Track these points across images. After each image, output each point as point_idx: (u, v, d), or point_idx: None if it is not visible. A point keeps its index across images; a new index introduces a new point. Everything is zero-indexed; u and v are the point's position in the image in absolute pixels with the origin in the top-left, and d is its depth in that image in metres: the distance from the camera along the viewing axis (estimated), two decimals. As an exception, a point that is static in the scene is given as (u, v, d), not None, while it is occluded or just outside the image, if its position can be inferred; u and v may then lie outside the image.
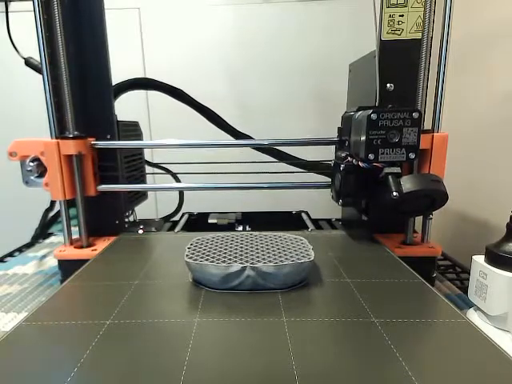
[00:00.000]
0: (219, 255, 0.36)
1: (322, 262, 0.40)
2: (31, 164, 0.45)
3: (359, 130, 0.40)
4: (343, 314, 0.29)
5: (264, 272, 0.32)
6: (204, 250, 0.37)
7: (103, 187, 0.50)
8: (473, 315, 0.36)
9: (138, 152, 0.63)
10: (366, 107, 0.41)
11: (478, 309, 0.35)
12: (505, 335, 0.32)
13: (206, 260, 0.34)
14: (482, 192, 0.60)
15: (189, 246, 0.38)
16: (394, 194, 0.38)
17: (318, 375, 0.22)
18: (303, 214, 0.71)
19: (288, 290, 0.33)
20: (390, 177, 0.39)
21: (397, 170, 0.40)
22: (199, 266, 0.34)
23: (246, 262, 0.34)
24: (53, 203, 0.63)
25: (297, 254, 0.35)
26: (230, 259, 0.34)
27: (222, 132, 0.65)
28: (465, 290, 0.45)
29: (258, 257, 0.35)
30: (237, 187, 0.52)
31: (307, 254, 0.35)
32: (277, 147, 0.61)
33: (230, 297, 0.32)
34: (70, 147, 0.46)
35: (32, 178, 0.46)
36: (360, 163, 0.40)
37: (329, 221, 0.69)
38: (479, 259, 0.35)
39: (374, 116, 0.38)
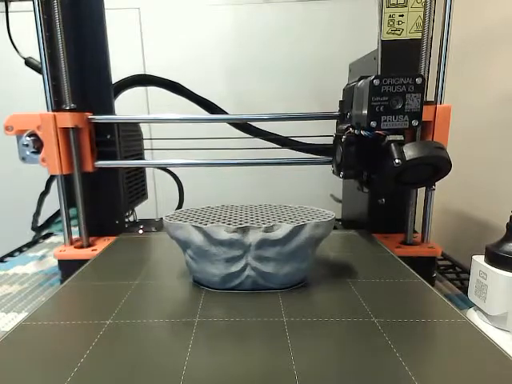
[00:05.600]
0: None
1: (322, 262, 0.40)
2: (28, 138, 0.45)
3: (361, 98, 0.39)
4: (343, 313, 0.29)
5: (265, 272, 0.32)
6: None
7: (100, 163, 0.50)
8: (473, 315, 0.36)
9: (138, 150, 0.63)
10: (369, 76, 0.40)
11: (477, 309, 0.35)
12: (505, 335, 0.32)
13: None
14: (482, 192, 0.60)
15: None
16: (397, 161, 0.36)
17: (318, 375, 0.22)
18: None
19: (288, 289, 0.33)
20: (392, 144, 0.38)
21: (400, 137, 0.38)
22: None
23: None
24: (48, 186, 0.62)
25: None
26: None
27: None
28: (465, 290, 0.45)
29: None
30: (233, 164, 0.52)
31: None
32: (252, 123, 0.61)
33: (231, 297, 0.32)
34: (67, 120, 0.45)
35: (28, 153, 0.46)
36: (362, 132, 0.39)
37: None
38: (479, 259, 0.35)
39: (376, 82, 0.37)
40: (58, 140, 0.45)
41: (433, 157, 0.37)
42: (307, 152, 0.59)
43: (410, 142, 0.41)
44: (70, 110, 0.46)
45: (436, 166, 0.38)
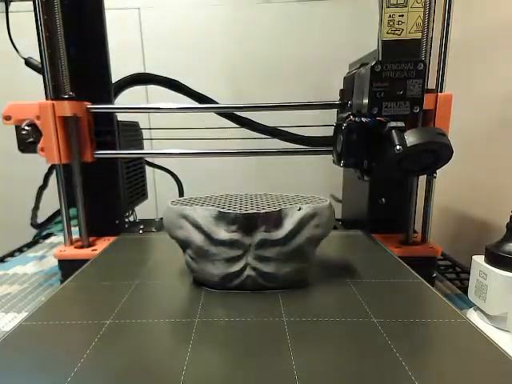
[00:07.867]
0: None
1: (322, 262, 0.40)
2: (26, 128, 0.44)
3: (362, 84, 0.39)
4: (343, 313, 0.29)
5: (265, 272, 0.32)
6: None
7: (100, 152, 0.50)
8: (473, 315, 0.36)
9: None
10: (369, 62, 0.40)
11: (477, 309, 0.35)
12: (505, 335, 0.32)
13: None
14: (482, 192, 0.60)
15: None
16: (398, 147, 0.36)
17: (318, 375, 0.22)
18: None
19: (288, 289, 0.33)
20: (393, 131, 0.37)
21: (401, 124, 0.38)
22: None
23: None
24: (46, 180, 0.62)
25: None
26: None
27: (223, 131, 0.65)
28: (465, 290, 0.45)
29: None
30: (232, 152, 0.52)
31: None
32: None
33: (230, 297, 0.32)
34: (66, 108, 0.45)
35: (27, 143, 0.45)
36: (363, 119, 0.39)
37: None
38: (479, 259, 0.35)
39: (377, 67, 0.36)
40: (56, 129, 0.45)
41: (434, 143, 0.37)
42: (302, 143, 0.59)
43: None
44: (69, 99, 0.46)
45: (437, 152, 0.38)
